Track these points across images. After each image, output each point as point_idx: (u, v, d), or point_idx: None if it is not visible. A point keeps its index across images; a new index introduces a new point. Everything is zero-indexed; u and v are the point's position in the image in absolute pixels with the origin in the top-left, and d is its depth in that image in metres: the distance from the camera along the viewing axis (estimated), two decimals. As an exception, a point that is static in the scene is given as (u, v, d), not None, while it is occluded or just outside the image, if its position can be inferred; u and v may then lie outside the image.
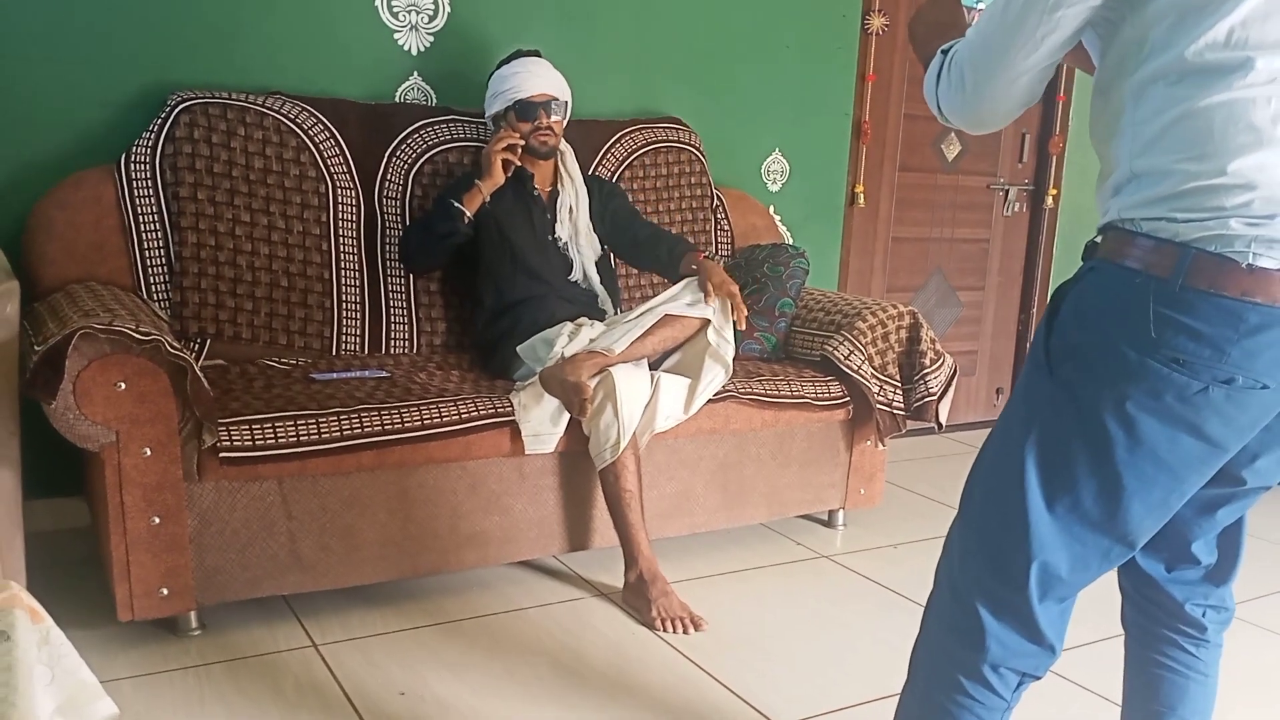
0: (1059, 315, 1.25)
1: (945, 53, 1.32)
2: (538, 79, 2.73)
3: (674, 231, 3.13)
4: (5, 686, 0.80)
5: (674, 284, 2.68)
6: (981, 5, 1.27)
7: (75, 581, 2.40)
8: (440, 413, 2.31)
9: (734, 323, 2.58)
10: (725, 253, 3.36)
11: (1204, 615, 1.45)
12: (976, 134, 1.37)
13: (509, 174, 2.71)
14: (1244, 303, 1.10)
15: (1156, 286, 1.13)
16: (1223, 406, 1.14)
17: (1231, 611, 1.48)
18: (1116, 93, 1.20)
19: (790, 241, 3.71)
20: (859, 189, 3.86)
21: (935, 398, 2.91)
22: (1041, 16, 1.18)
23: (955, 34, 1.38)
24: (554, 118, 2.74)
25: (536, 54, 2.79)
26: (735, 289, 2.57)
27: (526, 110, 2.71)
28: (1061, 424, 1.21)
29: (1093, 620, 1.85)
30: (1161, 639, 1.48)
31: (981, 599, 1.27)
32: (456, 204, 2.62)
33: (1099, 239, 1.23)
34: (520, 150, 2.72)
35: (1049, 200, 4.32)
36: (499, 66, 2.79)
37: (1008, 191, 4.28)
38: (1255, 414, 1.17)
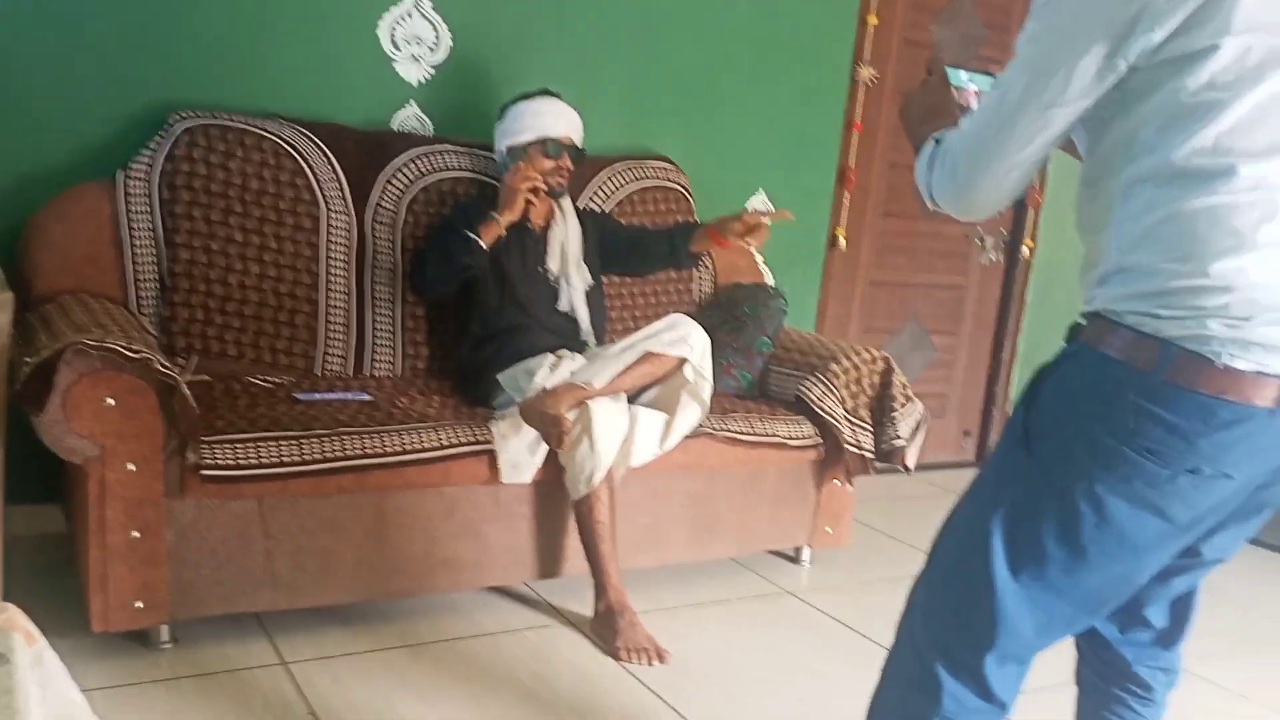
0: (1041, 395, 1.30)
1: (938, 141, 1.37)
2: (565, 120, 2.81)
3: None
4: (6, 710, 0.84)
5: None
6: (972, 85, 1.32)
7: (49, 589, 2.41)
8: (420, 439, 2.36)
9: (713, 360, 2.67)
10: (707, 290, 3.43)
11: (1152, 677, 1.52)
12: (966, 220, 1.43)
13: (527, 211, 2.75)
14: (1218, 400, 1.15)
15: (1137, 379, 1.18)
16: (1188, 493, 1.20)
17: (1178, 674, 1.55)
18: (1104, 188, 1.26)
19: (771, 281, 3.78)
20: (840, 232, 3.94)
21: (904, 443, 2.98)
22: (1035, 114, 1.23)
23: (946, 119, 1.42)
24: (572, 160, 2.81)
25: (558, 95, 2.85)
26: (756, 220, 2.69)
27: (553, 148, 2.77)
28: (1033, 498, 1.27)
29: (1039, 669, 1.91)
30: (1111, 697, 1.55)
31: (941, 657, 1.33)
32: (474, 237, 2.66)
33: (1083, 322, 1.28)
34: (543, 192, 2.77)
35: (1025, 251, 4.42)
36: (521, 100, 2.84)
37: (984, 241, 4.37)
38: (1217, 500, 1.23)
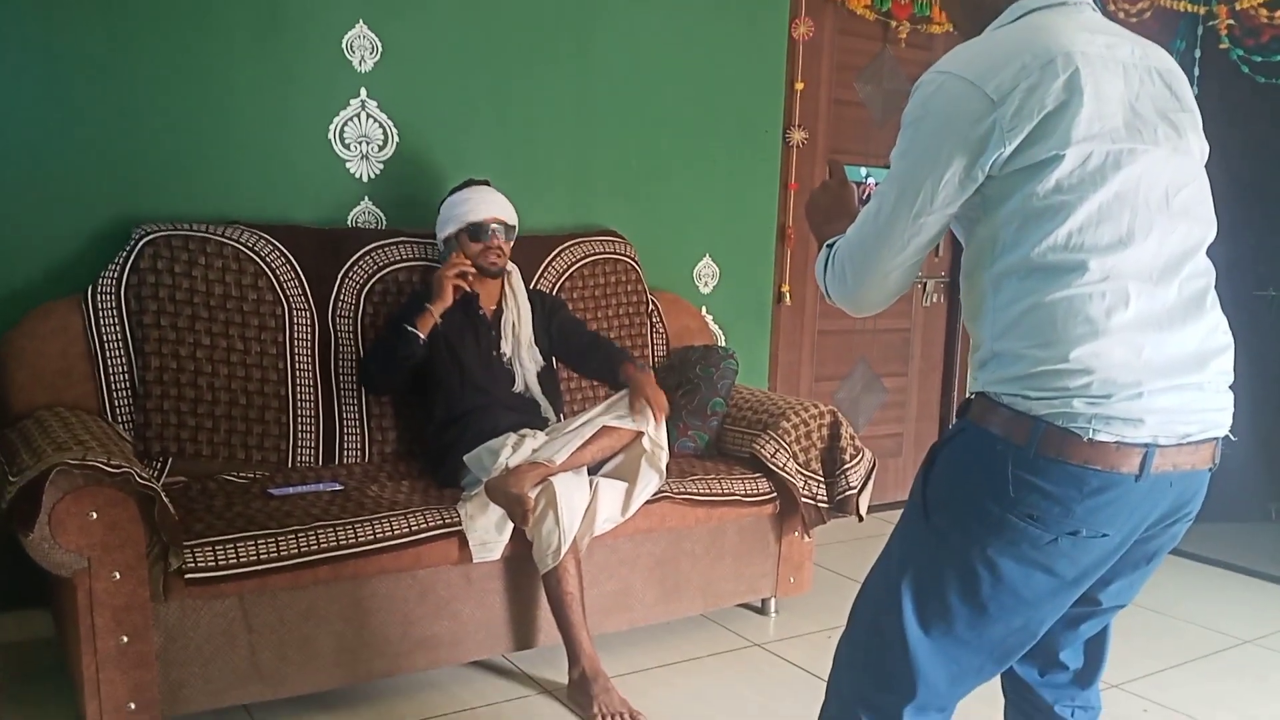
0: (934, 468, 1.45)
1: (830, 246, 1.53)
2: (487, 204, 2.97)
3: (611, 337, 3.35)
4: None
5: (613, 389, 2.95)
6: (871, 180, 1.44)
7: (41, 694, 2.49)
8: (392, 526, 2.47)
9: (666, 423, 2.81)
10: (661, 354, 3.57)
11: (1072, 715, 1.65)
12: (860, 316, 1.58)
13: (459, 298, 2.90)
14: (1086, 469, 1.30)
15: (1015, 453, 1.33)
16: (1070, 552, 1.35)
17: (1097, 710, 1.68)
18: (977, 280, 1.42)
19: (722, 340, 3.94)
20: (785, 288, 4.11)
21: (855, 492, 3.13)
22: (907, 223, 1.40)
23: (846, 217, 1.58)
24: (502, 239, 2.96)
25: (486, 183, 3.02)
26: (661, 400, 2.81)
27: (478, 232, 2.93)
28: (935, 563, 1.42)
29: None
30: None
31: (865, 710, 1.47)
32: (411, 329, 2.81)
33: (971, 399, 1.44)
34: (471, 277, 2.92)
35: (964, 291, 4.61)
36: (451, 193, 3.01)
37: (926, 284, 4.56)
38: (1099, 556, 1.38)
